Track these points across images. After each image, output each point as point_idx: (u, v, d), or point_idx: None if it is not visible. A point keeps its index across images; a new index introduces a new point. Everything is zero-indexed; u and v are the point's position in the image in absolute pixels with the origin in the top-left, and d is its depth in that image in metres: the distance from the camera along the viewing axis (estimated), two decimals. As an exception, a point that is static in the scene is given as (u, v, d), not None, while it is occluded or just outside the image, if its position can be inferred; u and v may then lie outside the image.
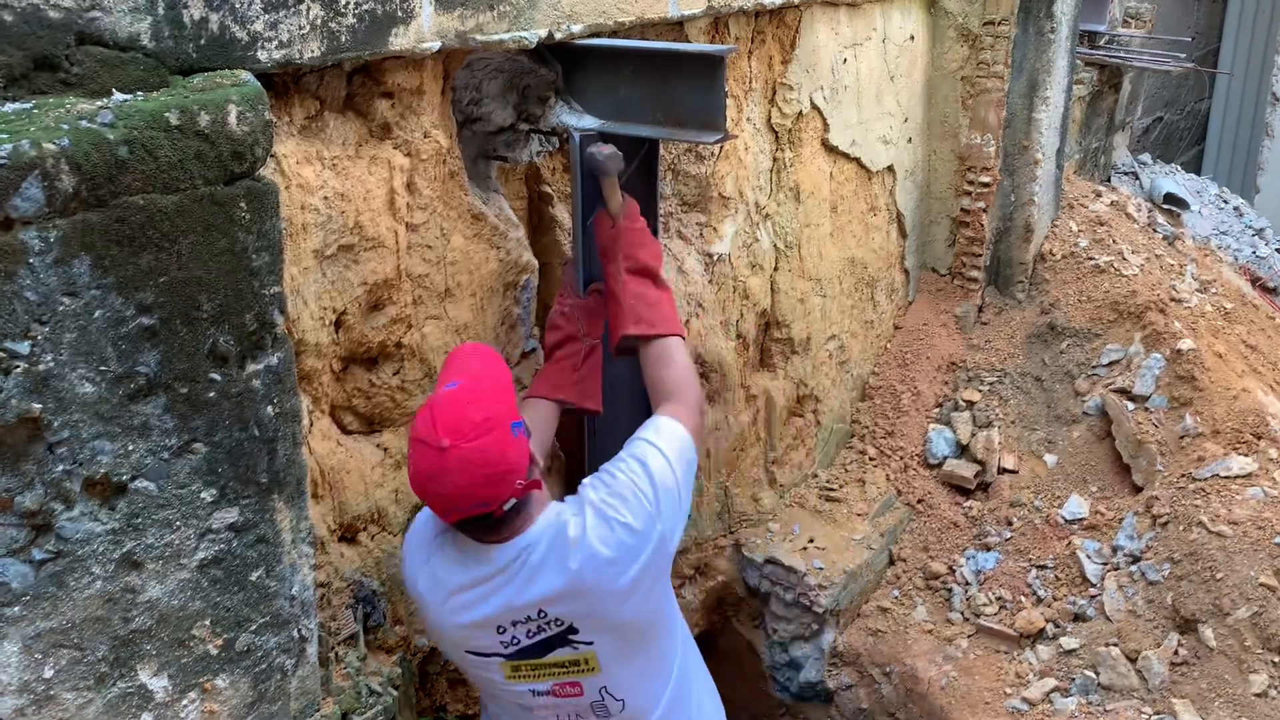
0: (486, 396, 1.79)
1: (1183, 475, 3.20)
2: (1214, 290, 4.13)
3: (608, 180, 2.18)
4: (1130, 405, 3.45)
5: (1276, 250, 6.67)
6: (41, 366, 1.37)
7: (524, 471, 1.78)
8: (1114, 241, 4.05)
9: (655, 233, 2.40)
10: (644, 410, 2.41)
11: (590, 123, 2.28)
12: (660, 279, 2.24)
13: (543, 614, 1.87)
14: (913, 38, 3.63)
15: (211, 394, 1.57)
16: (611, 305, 2.21)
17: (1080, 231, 4.09)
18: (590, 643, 1.91)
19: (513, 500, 1.76)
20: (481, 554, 1.86)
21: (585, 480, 1.96)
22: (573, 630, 1.89)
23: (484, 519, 1.77)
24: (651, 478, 1.91)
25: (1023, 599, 3.20)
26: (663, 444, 1.98)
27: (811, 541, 3.25)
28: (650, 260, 2.22)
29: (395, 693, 2.12)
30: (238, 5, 1.58)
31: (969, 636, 3.16)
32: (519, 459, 1.77)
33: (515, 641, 1.89)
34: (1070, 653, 2.98)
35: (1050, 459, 3.55)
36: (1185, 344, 3.47)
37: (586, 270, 2.32)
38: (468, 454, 1.71)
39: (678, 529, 1.96)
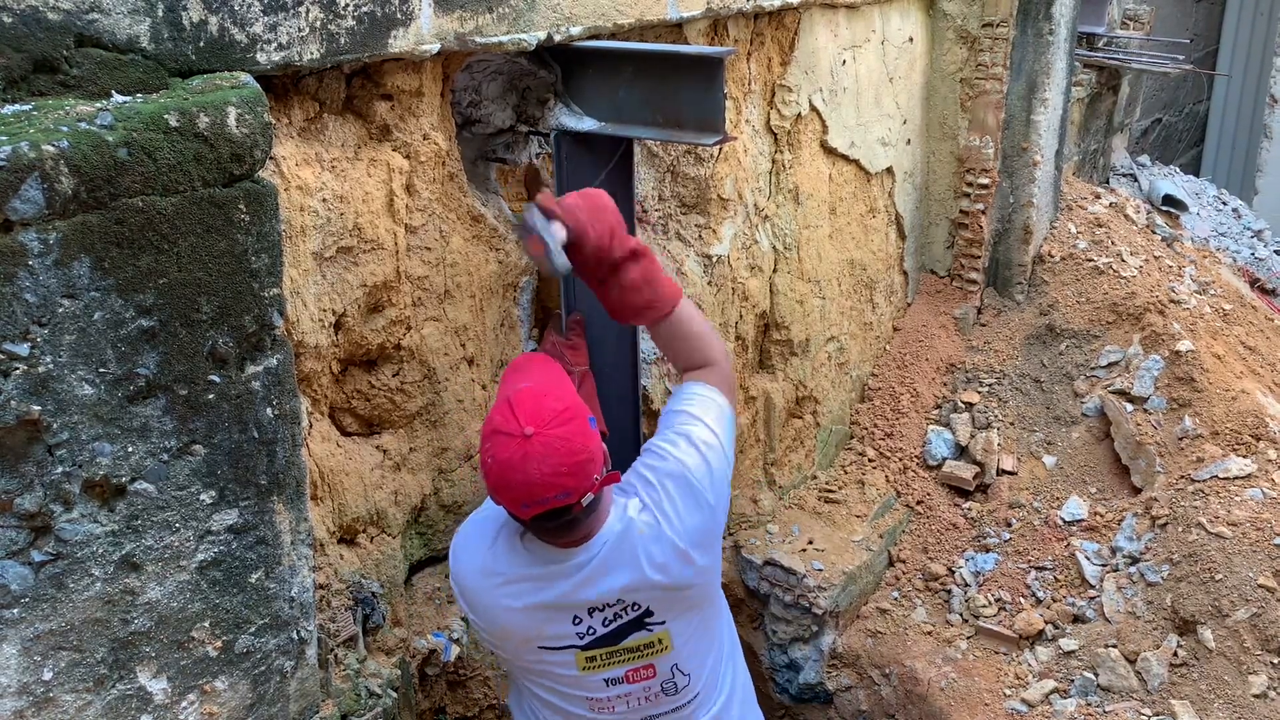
0: (561, 391, 1.83)
1: (1182, 477, 3.20)
2: (1213, 292, 4.13)
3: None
4: (1129, 406, 3.45)
5: (1275, 252, 6.68)
6: (41, 368, 1.37)
7: (600, 465, 1.78)
8: (1113, 243, 4.05)
9: (633, 232, 2.39)
10: (628, 372, 2.52)
11: (590, 124, 2.28)
12: (636, 252, 2.03)
13: (620, 601, 1.91)
14: (911, 39, 3.63)
15: (211, 396, 1.57)
16: (607, 304, 2.11)
17: (1079, 233, 4.09)
18: (664, 622, 1.95)
19: (590, 495, 1.76)
20: (554, 554, 1.87)
21: (637, 463, 1.98)
22: (649, 613, 1.94)
23: (563, 513, 1.75)
24: (702, 454, 1.95)
25: (1022, 600, 3.20)
26: (702, 412, 2.00)
27: (811, 543, 3.25)
28: (625, 246, 2.03)
29: (394, 695, 2.12)
30: (237, 7, 1.58)
31: (968, 638, 3.16)
32: (597, 450, 1.78)
33: (591, 631, 1.92)
34: (1069, 654, 2.98)
35: (1049, 460, 3.56)
36: (1184, 345, 3.47)
37: (567, 296, 2.35)
38: (551, 440, 1.71)
39: (727, 493, 2.01)
